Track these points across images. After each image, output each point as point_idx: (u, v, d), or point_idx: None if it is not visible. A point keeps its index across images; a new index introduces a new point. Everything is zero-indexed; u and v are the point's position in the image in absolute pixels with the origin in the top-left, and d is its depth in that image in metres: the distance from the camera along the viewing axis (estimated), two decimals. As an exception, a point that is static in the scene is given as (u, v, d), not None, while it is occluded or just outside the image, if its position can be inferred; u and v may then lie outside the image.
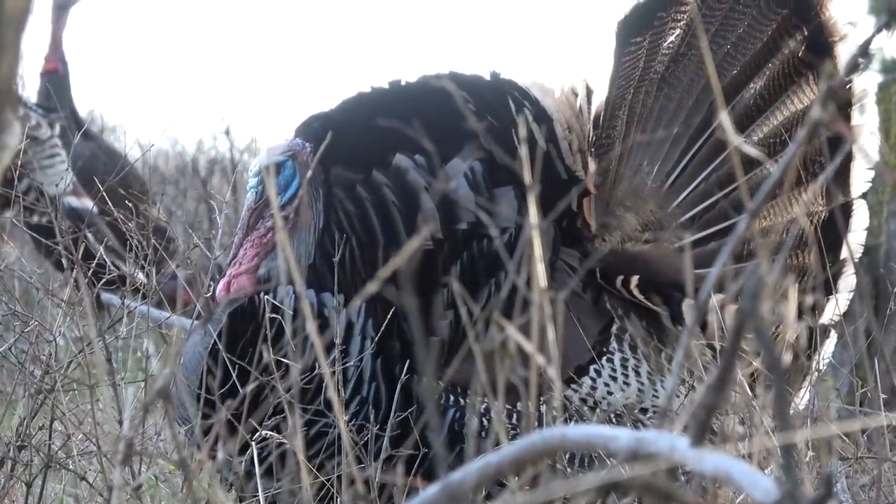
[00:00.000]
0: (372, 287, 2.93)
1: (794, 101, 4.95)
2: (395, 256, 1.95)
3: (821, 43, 4.94)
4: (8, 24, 1.16)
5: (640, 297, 4.70)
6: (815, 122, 2.66)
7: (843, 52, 4.96)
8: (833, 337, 4.89)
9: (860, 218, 4.89)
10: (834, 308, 4.82)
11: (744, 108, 4.97)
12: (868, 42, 2.62)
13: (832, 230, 4.85)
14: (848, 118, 4.78)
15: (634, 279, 4.73)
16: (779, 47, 4.98)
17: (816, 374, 4.72)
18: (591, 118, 4.89)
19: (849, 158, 4.91)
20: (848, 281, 4.91)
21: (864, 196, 4.95)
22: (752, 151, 4.41)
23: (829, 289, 4.67)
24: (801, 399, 4.61)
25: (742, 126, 4.97)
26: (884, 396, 4.19)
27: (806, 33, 4.97)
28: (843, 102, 4.70)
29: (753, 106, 4.97)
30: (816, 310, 4.64)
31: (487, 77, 4.84)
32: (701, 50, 4.86)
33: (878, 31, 2.59)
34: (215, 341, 4.39)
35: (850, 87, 4.79)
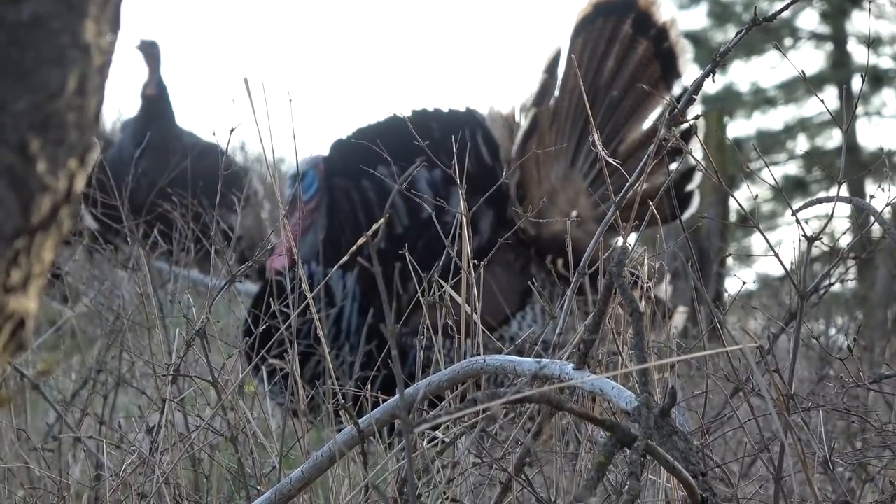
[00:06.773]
0: (343, 260, 2.92)
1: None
2: (365, 238, 1.94)
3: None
4: (94, 72, 1.14)
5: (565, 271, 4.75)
6: (661, 138, 2.66)
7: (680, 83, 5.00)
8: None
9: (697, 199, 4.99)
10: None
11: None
12: (699, 82, 2.60)
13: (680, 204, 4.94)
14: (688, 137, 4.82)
15: (560, 261, 4.77)
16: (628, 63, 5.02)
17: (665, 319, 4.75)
18: (517, 145, 4.91)
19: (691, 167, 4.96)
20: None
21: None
22: (609, 159, 4.40)
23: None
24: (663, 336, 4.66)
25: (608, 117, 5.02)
26: (706, 333, 4.22)
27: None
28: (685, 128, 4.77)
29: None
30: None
31: (461, 110, 4.87)
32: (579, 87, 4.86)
33: (706, 74, 2.58)
34: (259, 296, 4.46)
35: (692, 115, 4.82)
